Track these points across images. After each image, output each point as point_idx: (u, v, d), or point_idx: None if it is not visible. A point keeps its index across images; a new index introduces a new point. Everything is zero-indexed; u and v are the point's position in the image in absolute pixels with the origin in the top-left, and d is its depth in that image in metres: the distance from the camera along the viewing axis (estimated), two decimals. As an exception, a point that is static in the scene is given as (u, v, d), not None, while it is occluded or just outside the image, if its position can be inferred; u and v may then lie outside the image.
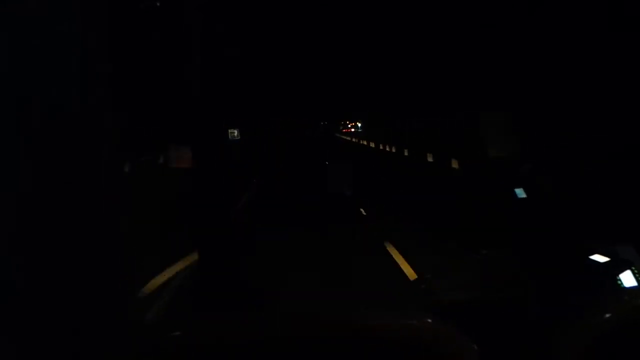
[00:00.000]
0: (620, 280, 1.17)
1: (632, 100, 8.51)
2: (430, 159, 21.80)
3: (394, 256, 6.92)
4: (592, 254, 1.22)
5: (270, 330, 0.67)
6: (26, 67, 0.69)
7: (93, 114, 0.77)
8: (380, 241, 7.65)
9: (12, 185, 0.66)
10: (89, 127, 0.76)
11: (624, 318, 0.71)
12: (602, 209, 7.36)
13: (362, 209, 10.64)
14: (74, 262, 0.71)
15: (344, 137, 72.75)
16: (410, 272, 5.93)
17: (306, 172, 17.80)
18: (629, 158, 8.02)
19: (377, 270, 6.31)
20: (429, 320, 0.68)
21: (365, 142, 45.91)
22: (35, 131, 0.69)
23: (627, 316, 0.71)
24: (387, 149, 31.55)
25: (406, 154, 24.60)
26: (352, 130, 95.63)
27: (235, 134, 23.10)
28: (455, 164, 18.06)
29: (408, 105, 26.61)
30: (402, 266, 6.26)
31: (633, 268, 1.17)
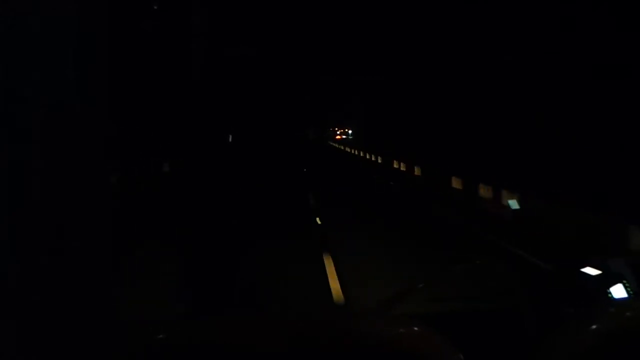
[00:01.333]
0: (610, 293, 1.18)
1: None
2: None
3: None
4: (584, 266, 1.23)
5: (262, 334, 0.68)
6: (24, 68, 0.69)
7: (89, 117, 0.77)
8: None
9: (6, 184, 0.66)
10: (84, 128, 0.76)
11: (612, 329, 0.72)
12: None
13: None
14: (65, 261, 0.72)
15: (346, 149, 56.43)
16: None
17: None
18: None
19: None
20: (415, 328, 0.69)
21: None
22: (32, 130, 0.69)
23: (615, 327, 0.72)
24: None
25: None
26: (343, 137, 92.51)
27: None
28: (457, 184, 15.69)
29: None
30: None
31: (624, 281, 1.18)
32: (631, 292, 1.18)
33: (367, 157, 38.01)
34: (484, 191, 13.23)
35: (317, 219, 9.96)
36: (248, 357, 0.65)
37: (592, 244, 7.00)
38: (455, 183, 15.94)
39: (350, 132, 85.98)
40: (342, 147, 61.69)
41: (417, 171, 21.62)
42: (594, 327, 0.71)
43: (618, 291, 1.17)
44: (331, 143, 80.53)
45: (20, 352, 0.66)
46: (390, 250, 7.43)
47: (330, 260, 6.68)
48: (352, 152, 50.17)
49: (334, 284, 5.63)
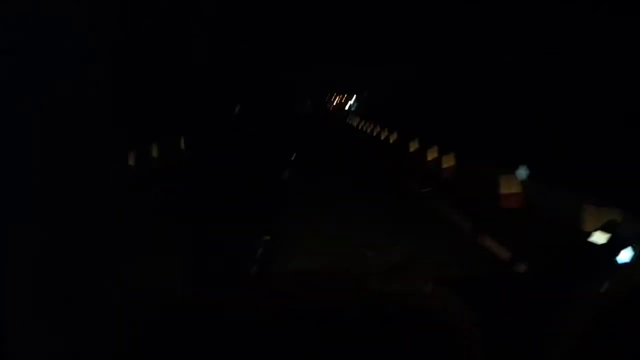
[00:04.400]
0: (618, 258, 1.20)
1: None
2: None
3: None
4: (594, 231, 1.26)
5: (277, 299, 0.70)
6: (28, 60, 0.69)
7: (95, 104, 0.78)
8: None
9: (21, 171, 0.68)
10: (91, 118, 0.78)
11: (619, 292, 0.74)
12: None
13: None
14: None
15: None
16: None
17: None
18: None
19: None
20: (429, 286, 0.73)
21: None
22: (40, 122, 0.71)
23: (622, 291, 0.74)
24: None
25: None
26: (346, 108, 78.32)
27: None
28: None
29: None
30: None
31: (633, 245, 1.20)
32: (638, 254, 1.19)
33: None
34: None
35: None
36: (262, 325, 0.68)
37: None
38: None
39: (352, 101, 73.94)
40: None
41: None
42: (602, 290, 0.74)
43: (626, 255, 1.20)
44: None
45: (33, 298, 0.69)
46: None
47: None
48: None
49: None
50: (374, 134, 27.39)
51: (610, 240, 1.24)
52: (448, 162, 11.56)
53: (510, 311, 1.08)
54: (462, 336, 0.70)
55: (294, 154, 16.60)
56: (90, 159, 0.76)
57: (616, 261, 1.19)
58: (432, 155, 13.30)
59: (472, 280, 1.28)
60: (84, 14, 0.75)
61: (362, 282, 0.72)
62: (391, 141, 20.38)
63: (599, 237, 1.25)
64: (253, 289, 0.76)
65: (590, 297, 0.74)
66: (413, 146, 15.95)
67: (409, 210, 7.73)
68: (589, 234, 1.27)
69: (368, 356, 0.69)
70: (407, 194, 9.48)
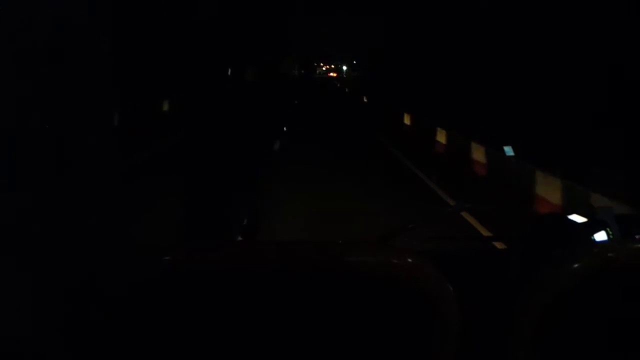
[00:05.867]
0: (594, 239, 1.23)
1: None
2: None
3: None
4: (571, 214, 1.28)
5: (255, 261, 0.70)
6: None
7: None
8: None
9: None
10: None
11: (592, 269, 0.75)
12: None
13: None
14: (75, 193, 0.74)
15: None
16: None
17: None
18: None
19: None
20: (409, 260, 0.71)
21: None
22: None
23: (597, 267, 0.76)
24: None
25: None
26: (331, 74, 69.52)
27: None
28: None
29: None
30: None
31: (608, 229, 1.24)
32: (612, 239, 1.23)
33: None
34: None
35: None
36: (244, 279, 0.68)
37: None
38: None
39: (345, 69, 69.76)
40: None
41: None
42: (576, 266, 0.75)
43: (601, 237, 1.23)
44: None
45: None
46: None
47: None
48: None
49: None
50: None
51: (587, 221, 1.26)
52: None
53: (490, 287, 1.10)
54: (442, 310, 0.70)
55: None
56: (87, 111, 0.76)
57: (593, 239, 1.22)
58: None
59: (453, 254, 1.30)
60: None
61: (345, 251, 0.71)
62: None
63: (576, 218, 1.28)
64: (237, 246, 0.75)
65: (565, 272, 0.76)
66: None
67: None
68: (565, 214, 1.30)
69: (344, 324, 0.69)
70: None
